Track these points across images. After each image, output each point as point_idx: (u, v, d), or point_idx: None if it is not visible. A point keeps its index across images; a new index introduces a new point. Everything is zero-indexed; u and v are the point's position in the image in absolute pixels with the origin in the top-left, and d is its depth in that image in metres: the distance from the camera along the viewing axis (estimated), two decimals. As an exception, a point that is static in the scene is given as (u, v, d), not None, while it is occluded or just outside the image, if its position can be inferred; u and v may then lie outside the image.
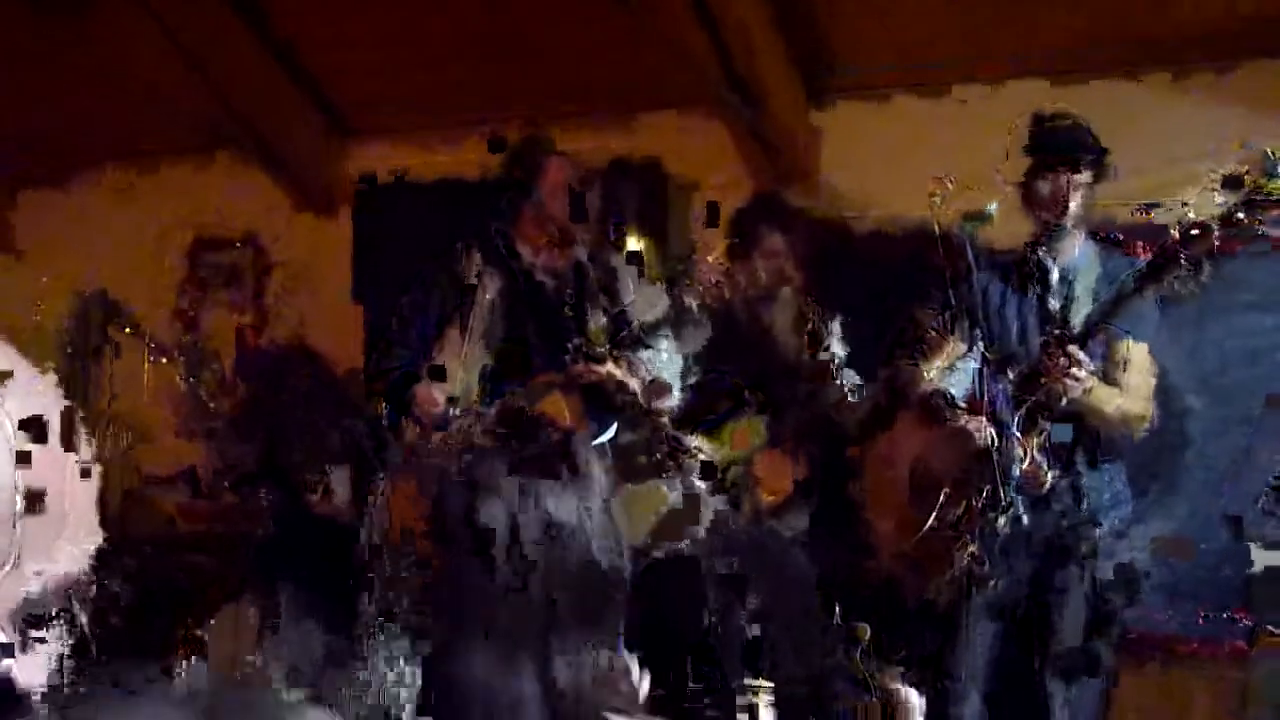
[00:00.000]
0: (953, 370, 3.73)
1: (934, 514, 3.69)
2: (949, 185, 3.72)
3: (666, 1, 4.87)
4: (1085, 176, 3.83)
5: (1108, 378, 3.74)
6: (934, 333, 3.80)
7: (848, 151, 5.34)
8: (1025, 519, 3.55)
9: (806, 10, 5.13)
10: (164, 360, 6.18)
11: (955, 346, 3.75)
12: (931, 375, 3.75)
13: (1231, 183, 3.37)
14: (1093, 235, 3.96)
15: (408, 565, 3.77)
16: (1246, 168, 3.39)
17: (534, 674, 1.29)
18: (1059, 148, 3.86)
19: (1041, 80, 4.96)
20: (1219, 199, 3.39)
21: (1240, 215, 3.34)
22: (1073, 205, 3.82)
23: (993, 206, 3.78)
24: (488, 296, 3.92)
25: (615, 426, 4.13)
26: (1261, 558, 3.88)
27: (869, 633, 4.48)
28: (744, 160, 5.40)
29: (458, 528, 3.66)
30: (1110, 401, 3.74)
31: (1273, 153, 3.36)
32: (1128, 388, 3.77)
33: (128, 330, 6.22)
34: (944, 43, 5.13)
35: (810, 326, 4.63)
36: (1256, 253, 4.64)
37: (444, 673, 1.24)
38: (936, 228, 3.72)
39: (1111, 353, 3.73)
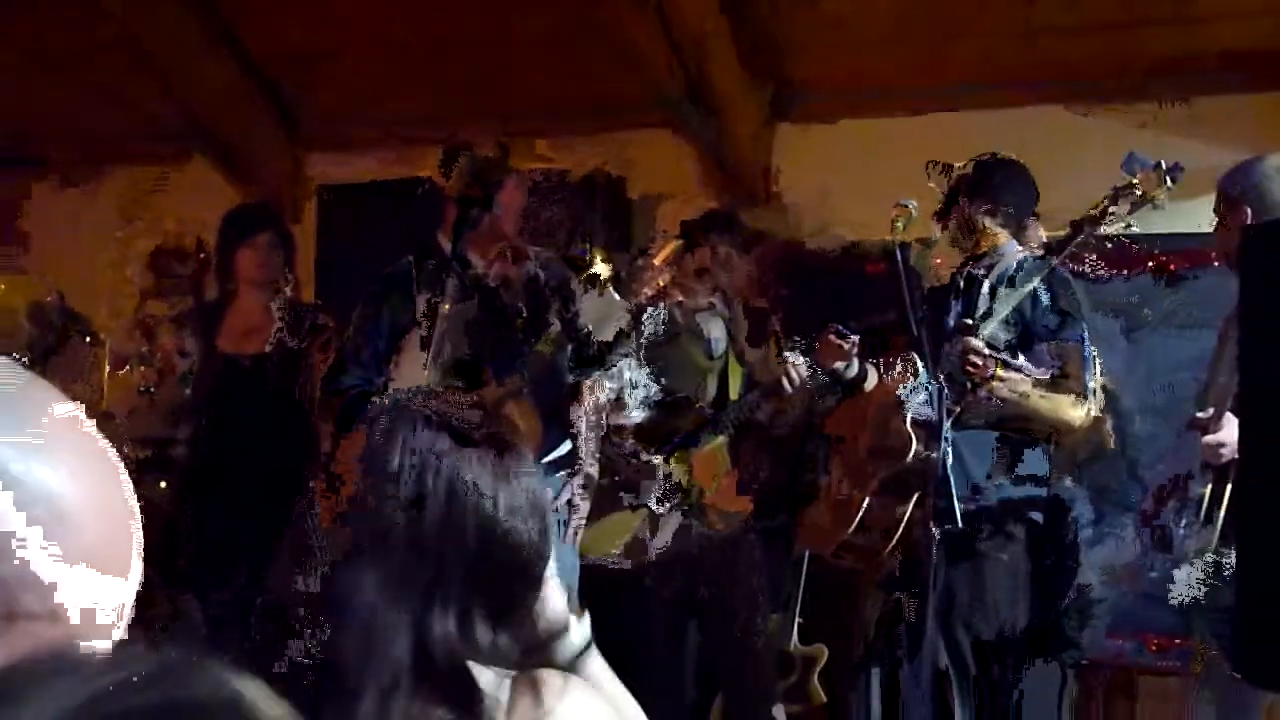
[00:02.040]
0: (915, 391, 3.76)
1: (858, 518, 3.74)
2: (912, 211, 3.76)
3: (630, 19, 4.89)
4: (1001, 217, 3.91)
5: (1059, 386, 3.78)
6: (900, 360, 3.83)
7: (807, 172, 5.38)
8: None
9: (767, 34, 5.16)
10: (123, 370, 6.11)
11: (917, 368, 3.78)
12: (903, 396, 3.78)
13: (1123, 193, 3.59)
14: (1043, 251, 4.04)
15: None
16: (1136, 179, 3.57)
17: (410, 617, 1.38)
18: (986, 193, 3.93)
19: (994, 110, 5.02)
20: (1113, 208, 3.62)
21: (1104, 208, 3.59)
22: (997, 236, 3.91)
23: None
24: (444, 309, 3.89)
25: (569, 445, 4.12)
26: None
27: (826, 654, 4.51)
28: (705, 180, 5.43)
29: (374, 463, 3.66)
30: (1061, 407, 3.79)
31: (1160, 163, 3.50)
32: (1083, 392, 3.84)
33: (87, 339, 6.16)
34: (902, 69, 5.18)
35: (775, 345, 4.64)
36: (1198, 275, 4.73)
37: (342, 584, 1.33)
38: (897, 252, 3.76)
39: (1066, 361, 3.78)
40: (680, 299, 4.54)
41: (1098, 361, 3.90)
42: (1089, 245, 3.80)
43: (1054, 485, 4.42)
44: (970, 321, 3.69)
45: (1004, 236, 3.95)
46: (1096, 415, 3.89)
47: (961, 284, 3.93)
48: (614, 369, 4.27)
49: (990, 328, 3.69)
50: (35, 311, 6.29)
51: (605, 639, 1.68)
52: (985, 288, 3.89)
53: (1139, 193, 3.56)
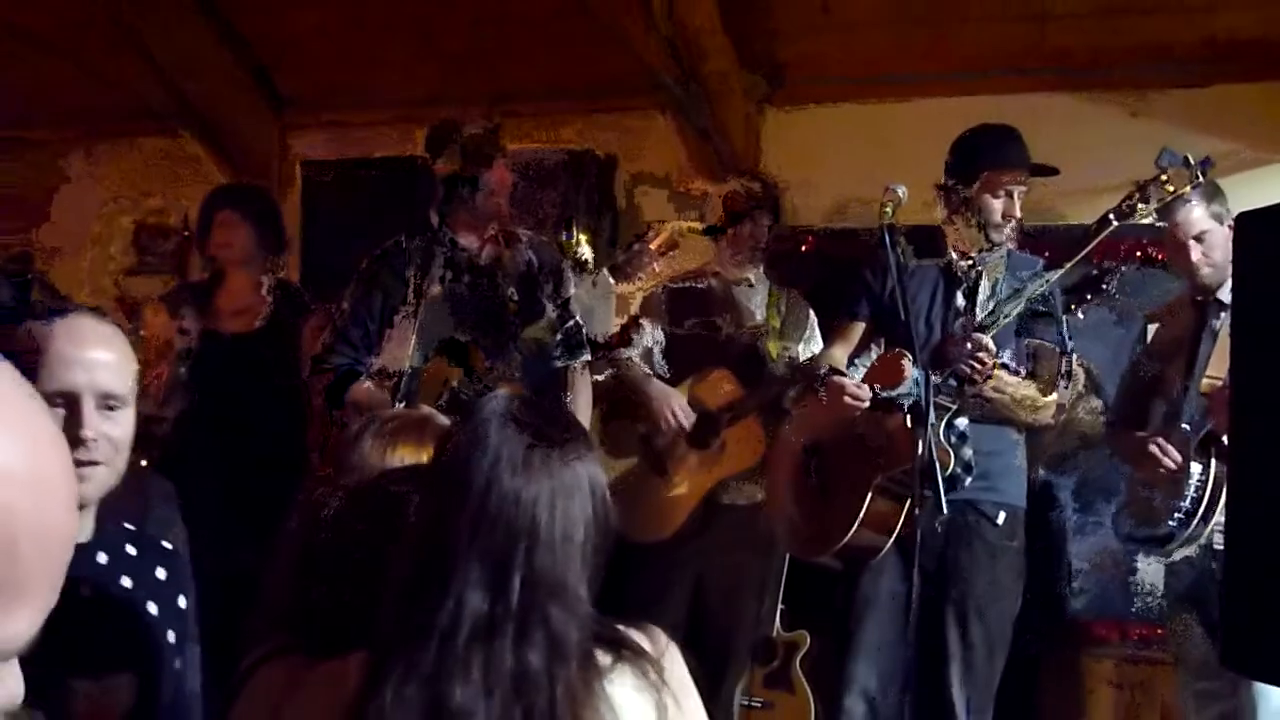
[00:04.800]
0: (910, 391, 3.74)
1: (861, 513, 3.72)
2: (900, 196, 3.75)
3: (620, 2, 4.85)
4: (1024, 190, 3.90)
5: (1032, 384, 3.81)
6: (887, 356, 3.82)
7: (797, 156, 5.35)
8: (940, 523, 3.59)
9: (760, 16, 5.14)
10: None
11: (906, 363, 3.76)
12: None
13: (1152, 187, 3.53)
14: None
15: None
16: (1167, 175, 3.51)
17: None
18: (1014, 162, 3.90)
19: (990, 96, 5.00)
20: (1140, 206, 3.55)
21: (1134, 203, 3.53)
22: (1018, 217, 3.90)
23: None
24: (434, 289, 3.87)
25: None
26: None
27: (808, 641, 4.49)
28: (693, 161, 5.41)
29: None
30: (1034, 408, 3.82)
31: (1189, 159, 3.47)
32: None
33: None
34: (893, 54, 5.15)
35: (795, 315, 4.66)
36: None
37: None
38: (886, 237, 3.74)
39: (1039, 361, 3.80)
40: (718, 271, 4.61)
41: (1074, 356, 3.93)
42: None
43: (1038, 473, 4.44)
44: (985, 320, 3.68)
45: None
46: (1090, 405, 3.91)
47: (966, 276, 3.91)
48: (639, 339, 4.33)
49: (1001, 326, 3.68)
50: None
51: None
52: (985, 282, 3.89)
53: (1170, 188, 3.53)
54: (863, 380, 3.81)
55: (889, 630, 3.78)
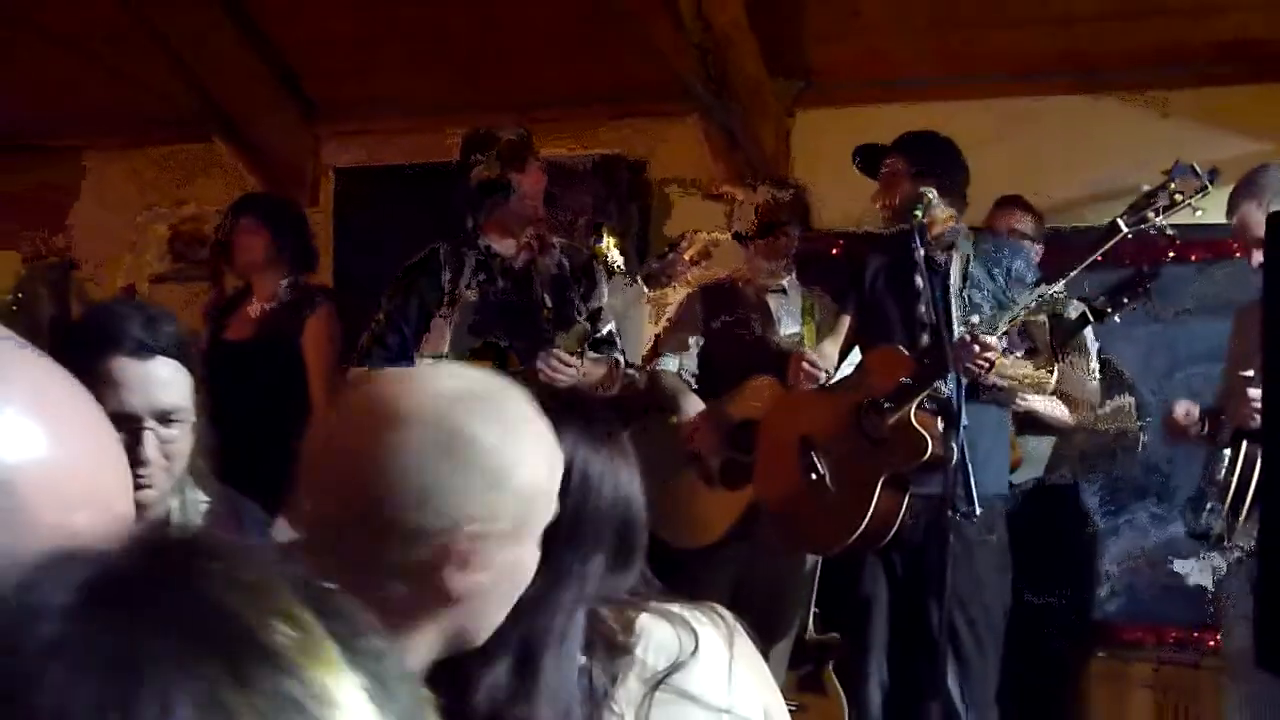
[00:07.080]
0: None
1: (869, 512, 3.74)
2: (930, 198, 3.77)
3: (649, 7, 4.87)
4: (900, 164, 3.95)
5: (1033, 361, 3.85)
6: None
7: (827, 160, 5.34)
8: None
9: (789, 21, 5.15)
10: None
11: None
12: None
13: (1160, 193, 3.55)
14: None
15: None
16: (1175, 183, 3.51)
17: None
18: (893, 146, 4.01)
19: (1016, 98, 5.00)
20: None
21: (1141, 210, 3.54)
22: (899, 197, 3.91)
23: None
24: (468, 295, 3.92)
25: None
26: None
27: (840, 643, 4.49)
28: (721, 163, 5.41)
29: None
30: (1039, 381, 3.85)
31: (1195, 167, 3.47)
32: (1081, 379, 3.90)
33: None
34: (922, 58, 5.15)
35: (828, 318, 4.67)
36: (1221, 266, 4.70)
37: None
38: (916, 239, 3.75)
39: (1034, 338, 3.84)
40: (749, 278, 4.61)
41: (1094, 344, 3.99)
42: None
43: (1056, 474, 4.46)
44: (983, 324, 3.70)
45: (951, 215, 3.98)
46: (1119, 404, 3.92)
47: (925, 259, 3.92)
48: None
49: (1003, 326, 3.69)
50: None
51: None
52: (956, 270, 3.90)
53: (1178, 196, 3.51)
54: (870, 382, 3.85)
55: (895, 623, 3.84)
